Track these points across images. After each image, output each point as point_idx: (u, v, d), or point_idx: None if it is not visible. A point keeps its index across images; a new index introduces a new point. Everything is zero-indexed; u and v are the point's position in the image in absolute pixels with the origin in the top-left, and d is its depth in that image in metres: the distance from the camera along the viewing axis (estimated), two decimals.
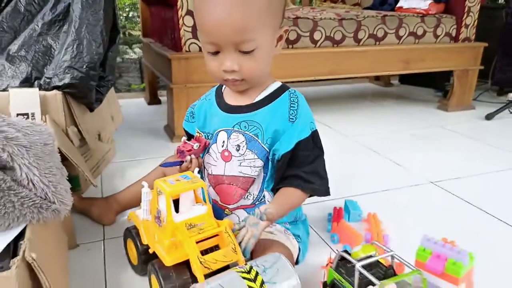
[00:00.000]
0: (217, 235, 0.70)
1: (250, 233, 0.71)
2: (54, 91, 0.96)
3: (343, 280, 0.64)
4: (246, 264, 0.63)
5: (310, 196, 0.82)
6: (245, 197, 0.83)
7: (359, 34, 1.75)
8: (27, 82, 1.00)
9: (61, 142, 0.87)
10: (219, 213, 0.86)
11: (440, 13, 1.92)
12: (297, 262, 0.83)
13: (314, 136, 0.80)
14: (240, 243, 0.70)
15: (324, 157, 0.82)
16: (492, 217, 1.04)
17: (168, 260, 0.66)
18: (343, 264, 0.67)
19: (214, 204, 0.86)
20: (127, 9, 2.22)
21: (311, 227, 0.96)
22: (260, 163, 0.80)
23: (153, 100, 2.13)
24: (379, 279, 0.59)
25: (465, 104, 2.06)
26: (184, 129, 0.92)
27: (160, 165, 0.90)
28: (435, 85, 2.42)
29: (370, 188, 1.19)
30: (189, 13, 1.41)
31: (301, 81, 2.61)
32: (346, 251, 0.67)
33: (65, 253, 0.77)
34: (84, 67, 0.99)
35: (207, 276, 0.64)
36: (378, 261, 0.67)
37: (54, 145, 0.66)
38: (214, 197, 0.86)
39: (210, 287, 0.59)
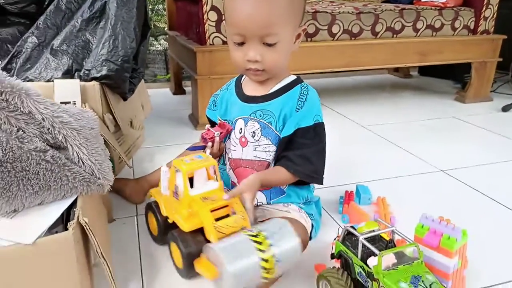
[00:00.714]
0: (227, 205, 0.78)
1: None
2: (93, 82, 1.07)
3: (348, 252, 0.73)
4: (254, 228, 0.72)
5: (308, 181, 0.89)
6: None
7: (377, 27, 1.79)
8: (68, 74, 1.11)
9: (100, 129, 0.98)
10: None
11: (458, 5, 1.94)
12: (310, 238, 0.92)
13: (317, 128, 0.86)
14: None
15: (325, 150, 0.88)
16: (498, 204, 1.10)
17: (186, 226, 0.75)
18: (349, 238, 0.75)
19: (233, 186, 0.95)
20: (153, 2, 2.32)
21: (324, 208, 1.04)
22: (273, 148, 0.89)
23: (178, 90, 2.24)
24: (380, 250, 0.67)
25: (482, 96, 2.08)
26: (207, 116, 1.02)
27: (186, 149, 1.00)
28: (454, 77, 2.44)
29: (382, 175, 1.26)
30: (213, 8, 1.49)
31: (321, 73, 2.67)
32: (352, 227, 0.75)
33: (106, 224, 0.88)
34: (119, 60, 1.09)
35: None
36: (380, 236, 0.75)
37: (99, 129, 0.77)
38: (233, 179, 0.95)
39: (223, 245, 0.68)
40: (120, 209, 1.04)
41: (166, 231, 0.83)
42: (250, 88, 0.92)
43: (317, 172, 0.88)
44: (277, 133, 0.88)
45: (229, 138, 0.95)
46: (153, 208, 0.90)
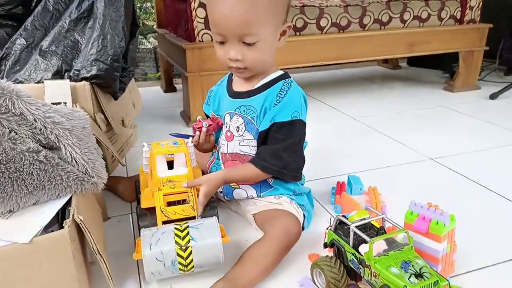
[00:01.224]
0: (186, 191, 0.83)
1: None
2: (83, 82, 1.07)
3: (340, 240, 0.75)
4: (186, 222, 0.78)
5: (278, 177, 0.91)
6: None
7: (364, 19, 1.81)
8: (58, 75, 1.11)
9: (92, 128, 0.98)
10: (227, 187, 0.97)
11: None
12: (303, 228, 0.93)
13: (294, 124, 0.86)
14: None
15: (301, 146, 0.89)
16: (486, 189, 1.13)
17: (142, 203, 0.85)
18: (340, 227, 0.77)
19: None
20: (140, 0, 2.32)
21: (316, 199, 1.06)
22: (255, 143, 0.91)
23: (169, 88, 2.24)
24: (371, 238, 0.69)
25: (470, 85, 2.11)
26: (204, 111, 1.04)
27: (170, 133, 1.02)
28: (443, 66, 2.47)
29: (373, 165, 1.28)
30: (201, 5, 1.50)
31: (311, 66, 2.68)
32: (343, 216, 0.77)
33: (101, 223, 0.88)
34: (109, 59, 1.09)
35: (166, 223, 0.80)
36: (371, 224, 0.77)
37: (91, 129, 0.77)
38: None
39: (147, 232, 0.75)
40: (115, 207, 1.05)
41: None
42: (238, 84, 0.93)
43: (287, 168, 0.88)
44: (258, 128, 0.89)
45: (221, 133, 0.96)
46: (136, 183, 1.00)
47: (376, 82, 2.38)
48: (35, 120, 0.65)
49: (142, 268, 0.82)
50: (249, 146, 0.92)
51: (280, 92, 0.87)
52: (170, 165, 0.91)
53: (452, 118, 1.74)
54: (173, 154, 0.91)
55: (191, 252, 0.73)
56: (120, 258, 0.86)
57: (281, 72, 0.92)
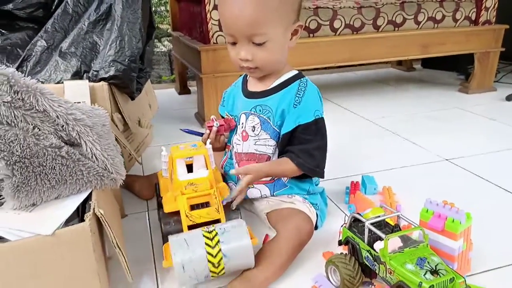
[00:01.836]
0: (209, 194, 0.83)
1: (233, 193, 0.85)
2: (101, 83, 1.10)
3: (355, 237, 0.75)
4: (213, 226, 0.77)
5: (310, 175, 0.91)
6: None
7: (378, 21, 1.81)
8: (77, 75, 1.14)
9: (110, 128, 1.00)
10: None
11: None
12: (316, 228, 0.94)
13: (318, 123, 0.88)
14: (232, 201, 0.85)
15: (327, 145, 0.90)
16: (503, 190, 1.12)
17: (166, 208, 0.82)
18: (355, 225, 0.77)
19: (238, 180, 0.97)
20: (155, 4, 2.35)
21: (330, 199, 1.06)
22: (273, 142, 0.92)
23: (183, 90, 2.27)
24: (386, 235, 0.69)
25: (486, 86, 2.09)
26: (219, 113, 1.06)
27: (181, 129, 1.04)
28: (458, 68, 2.45)
29: (387, 166, 1.27)
30: (216, 7, 1.52)
31: (324, 68, 2.69)
32: (358, 213, 0.77)
33: (119, 219, 0.90)
34: (126, 60, 1.12)
35: (191, 227, 0.79)
36: (386, 222, 0.77)
37: (109, 126, 0.79)
38: None
39: (177, 238, 0.74)
40: (132, 205, 1.07)
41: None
42: (253, 84, 0.95)
43: (319, 166, 0.90)
44: (275, 128, 0.90)
45: (235, 133, 0.97)
46: (156, 187, 0.98)
47: (390, 84, 2.37)
48: (57, 117, 0.67)
49: (159, 265, 0.84)
50: (266, 146, 0.92)
51: (298, 92, 0.88)
52: (189, 168, 0.88)
53: (467, 119, 1.72)
54: (192, 157, 0.89)
55: (222, 256, 0.73)
56: (137, 255, 0.87)
57: (296, 71, 0.93)
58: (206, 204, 0.83)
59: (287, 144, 0.90)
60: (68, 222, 0.66)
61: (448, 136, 1.53)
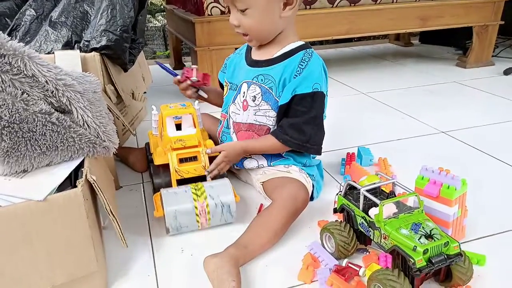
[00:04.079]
0: (196, 146, 0.89)
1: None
2: (93, 53, 1.07)
3: (350, 204, 0.75)
4: (201, 183, 0.84)
5: (299, 150, 0.91)
6: None
7: None
8: (68, 46, 1.11)
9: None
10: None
11: None
12: (312, 198, 0.94)
13: (315, 96, 0.86)
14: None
15: (322, 120, 0.89)
16: (498, 160, 1.12)
17: (156, 161, 0.89)
18: (350, 192, 0.77)
19: None
20: None
21: (326, 170, 1.06)
22: (273, 113, 0.90)
23: (178, 65, 2.23)
24: (381, 201, 0.69)
25: (484, 60, 2.07)
26: (218, 78, 1.05)
27: (156, 61, 1.06)
28: (456, 43, 2.42)
29: (383, 138, 1.27)
30: None
31: (321, 43, 2.65)
32: (353, 181, 0.77)
33: (113, 189, 0.90)
34: (118, 30, 1.09)
35: (180, 182, 0.87)
36: (382, 189, 0.77)
37: (101, 94, 0.78)
38: None
39: (168, 191, 0.82)
40: (126, 177, 1.06)
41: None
42: (257, 53, 0.93)
43: (310, 141, 0.88)
44: (277, 99, 0.89)
45: (233, 102, 0.95)
46: (146, 147, 1.07)
47: (388, 59, 2.35)
48: (46, 82, 0.66)
49: (154, 235, 0.84)
50: (266, 117, 0.91)
51: (301, 63, 0.86)
52: (178, 128, 0.94)
53: (465, 93, 1.71)
54: (180, 117, 0.94)
55: (207, 204, 0.80)
56: (132, 225, 0.87)
57: (302, 42, 0.90)
58: (194, 158, 0.88)
59: (283, 115, 0.89)
60: (61, 190, 0.65)
61: (445, 109, 1.52)
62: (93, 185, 0.63)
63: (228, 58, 1.02)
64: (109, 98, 1.12)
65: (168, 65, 1.05)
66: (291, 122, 0.87)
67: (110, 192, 0.78)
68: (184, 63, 2.27)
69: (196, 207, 0.80)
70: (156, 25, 2.52)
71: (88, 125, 0.70)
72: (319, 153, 0.91)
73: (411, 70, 2.08)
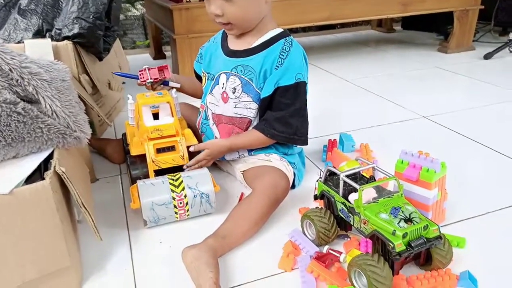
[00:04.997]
0: (174, 135, 0.86)
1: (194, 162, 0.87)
2: (65, 41, 1.03)
3: (330, 190, 0.74)
4: (179, 173, 0.82)
5: (287, 143, 0.90)
6: None
7: None
8: (39, 34, 1.07)
9: (76, 88, 0.95)
10: None
11: None
12: (293, 186, 0.92)
13: (298, 87, 0.84)
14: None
15: (306, 109, 0.87)
16: (478, 143, 1.12)
17: (132, 151, 0.86)
18: (331, 178, 0.76)
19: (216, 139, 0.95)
20: None
21: (308, 158, 1.05)
22: (255, 105, 0.87)
23: (158, 55, 2.19)
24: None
25: (465, 45, 2.08)
26: (194, 69, 1.01)
27: (112, 72, 1.05)
28: (437, 29, 2.42)
29: (365, 124, 1.26)
30: None
31: (304, 30, 2.63)
32: (333, 167, 0.76)
33: (88, 182, 0.87)
34: (91, 17, 1.05)
35: (158, 172, 0.84)
36: (362, 175, 0.76)
37: (71, 82, 0.74)
38: (216, 134, 0.94)
39: (144, 182, 0.79)
40: (103, 169, 1.04)
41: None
42: (234, 42, 0.89)
43: (297, 133, 0.87)
44: (258, 91, 0.86)
45: (210, 92, 0.93)
46: (123, 138, 1.03)
47: (370, 45, 2.34)
48: (10, 70, 0.62)
49: (131, 224, 0.82)
50: (247, 109, 0.88)
51: (282, 53, 0.83)
52: (156, 117, 0.91)
53: (446, 78, 1.71)
54: (158, 106, 0.90)
55: (185, 195, 0.78)
56: (109, 217, 0.85)
57: (280, 29, 0.87)
58: (172, 148, 0.85)
59: (267, 107, 0.86)
60: (31, 183, 0.63)
61: (426, 94, 1.53)
62: (62, 177, 0.61)
63: (203, 48, 0.98)
64: (84, 88, 1.08)
65: (124, 72, 1.03)
66: (277, 116, 0.85)
67: (83, 184, 0.76)
68: (165, 53, 2.22)
69: (174, 198, 0.78)
70: (136, 14, 2.46)
71: (57, 115, 0.67)
72: (306, 143, 0.90)
73: (393, 56, 2.07)
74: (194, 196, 0.80)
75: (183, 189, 0.79)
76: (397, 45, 2.30)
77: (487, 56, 1.92)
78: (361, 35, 2.63)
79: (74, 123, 0.70)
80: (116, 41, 1.32)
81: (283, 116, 0.85)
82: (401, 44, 2.32)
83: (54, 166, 0.61)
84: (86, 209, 0.63)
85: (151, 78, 0.92)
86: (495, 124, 1.25)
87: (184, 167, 0.86)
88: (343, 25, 2.73)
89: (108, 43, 1.19)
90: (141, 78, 0.92)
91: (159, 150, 0.85)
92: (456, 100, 1.45)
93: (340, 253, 0.71)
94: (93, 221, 0.65)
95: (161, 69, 0.93)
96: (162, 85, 0.95)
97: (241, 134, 0.90)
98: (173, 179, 0.80)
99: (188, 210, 0.80)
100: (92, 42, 1.08)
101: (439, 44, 2.16)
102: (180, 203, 0.79)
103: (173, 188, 0.79)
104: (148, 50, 2.34)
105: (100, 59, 1.17)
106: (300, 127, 0.87)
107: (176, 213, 0.79)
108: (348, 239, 0.75)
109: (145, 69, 0.92)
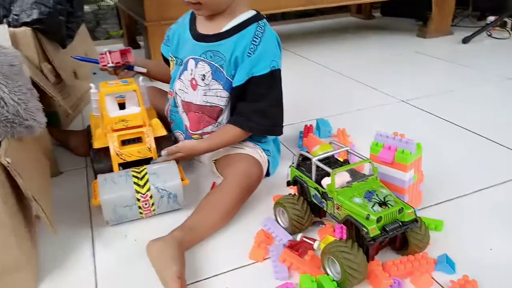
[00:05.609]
0: (141, 126, 0.80)
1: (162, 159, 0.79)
2: (23, 28, 0.97)
3: (303, 176, 0.70)
4: (144, 166, 0.76)
5: (266, 135, 0.87)
6: (215, 125, 0.86)
7: None
8: None
9: (36, 77, 0.89)
10: (188, 138, 0.90)
11: None
12: (268, 174, 0.89)
13: (274, 75, 0.79)
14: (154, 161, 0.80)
15: (282, 97, 0.82)
16: (455, 125, 1.10)
17: (95, 143, 0.80)
18: (303, 163, 0.73)
19: (186, 130, 0.90)
20: None
21: (283, 144, 1.01)
22: (225, 93, 0.82)
23: (132, 44, 2.11)
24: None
25: (443, 30, 2.06)
26: (162, 53, 0.95)
27: (71, 56, 0.96)
28: (416, 14, 2.40)
29: (342, 109, 1.23)
30: None
31: (283, 18, 2.59)
32: (307, 151, 0.72)
33: (46, 175, 0.82)
34: (51, 1, 1.00)
35: (124, 166, 0.78)
36: (336, 159, 0.72)
37: (22, 67, 0.69)
38: (186, 122, 0.89)
39: (105, 177, 0.73)
40: (68, 162, 0.98)
41: None
42: (203, 25, 0.83)
43: (276, 124, 0.83)
44: (228, 78, 0.81)
45: (178, 78, 0.88)
46: (88, 129, 0.95)
47: (349, 32, 2.31)
48: None
49: (95, 219, 0.77)
50: (217, 97, 0.83)
51: (254, 39, 0.78)
52: (122, 107, 0.85)
53: (425, 62, 1.70)
54: (124, 96, 0.85)
55: (151, 195, 0.73)
56: (72, 211, 0.80)
57: (253, 12, 0.82)
58: (138, 139, 0.79)
59: (240, 97, 0.81)
60: None
61: (405, 78, 1.51)
62: (7, 167, 0.56)
63: (170, 30, 0.92)
64: (46, 78, 1.03)
65: (83, 56, 0.95)
66: (254, 108, 0.80)
67: (39, 177, 0.71)
68: (140, 42, 2.15)
69: (138, 200, 0.72)
70: (109, 3, 2.38)
71: (5, 102, 0.62)
72: (282, 132, 0.86)
73: (372, 42, 2.05)
74: (161, 197, 0.74)
75: (149, 189, 0.72)
76: (376, 31, 2.28)
77: (465, 40, 1.91)
78: (340, 22, 2.59)
79: (25, 110, 0.64)
80: (82, 28, 1.26)
81: (261, 108, 0.80)
82: (381, 30, 2.29)
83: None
84: (36, 202, 0.58)
85: (112, 62, 0.85)
86: (473, 106, 1.24)
87: (151, 162, 0.79)
88: (323, 13, 2.69)
89: (72, 29, 1.12)
90: (101, 62, 0.86)
91: (124, 142, 0.79)
92: (435, 84, 1.43)
93: (314, 240, 0.68)
94: (44, 213, 0.60)
95: (123, 53, 0.87)
96: (126, 70, 0.90)
97: (217, 133, 0.84)
98: (137, 176, 0.73)
99: (154, 210, 0.75)
100: (53, 28, 1.02)
101: (418, 29, 2.14)
102: (146, 204, 0.73)
103: (137, 188, 0.72)
104: (122, 40, 2.26)
105: (64, 46, 1.11)
106: (277, 117, 0.83)
107: (141, 213, 0.74)
108: (323, 225, 0.72)
109: (105, 53, 0.86)
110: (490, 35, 2.01)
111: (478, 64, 1.61)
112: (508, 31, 2.03)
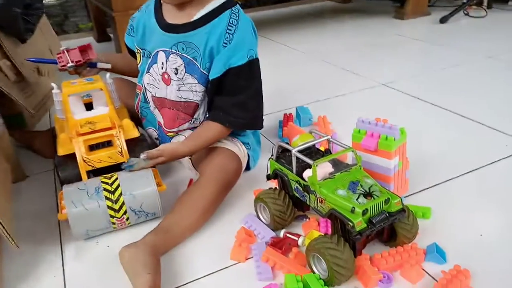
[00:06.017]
0: (110, 128, 0.73)
1: (138, 166, 0.71)
2: None
3: (283, 168, 0.66)
4: (116, 182, 0.68)
5: (248, 129, 0.82)
6: (191, 121, 0.81)
7: None
8: None
9: None
10: (163, 136, 0.85)
11: None
12: (248, 168, 0.84)
13: (252, 65, 0.74)
14: (132, 165, 0.71)
15: (261, 87, 0.77)
16: (436, 107, 1.08)
17: (60, 150, 0.72)
18: (283, 155, 0.69)
19: (159, 127, 0.85)
20: None
21: (263, 135, 0.97)
22: (201, 88, 0.76)
23: (102, 36, 2.03)
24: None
25: (420, 11, 2.04)
26: (126, 44, 0.88)
27: (25, 58, 0.88)
28: None
29: (322, 96, 1.20)
30: None
31: (259, 5, 2.53)
32: (286, 142, 0.68)
33: (6, 180, 0.76)
34: None
35: (96, 172, 0.71)
36: (317, 149, 0.69)
37: None
38: (159, 119, 0.84)
39: (71, 188, 0.66)
40: (34, 165, 0.92)
41: None
42: (171, 14, 0.77)
43: (257, 116, 0.78)
44: (203, 71, 0.75)
45: (147, 72, 0.82)
46: (53, 133, 0.84)
47: (326, 17, 2.27)
48: None
49: (64, 226, 0.72)
50: (192, 92, 0.77)
51: (229, 27, 0.72)
52: (90, 108, 0.77)
53: (404, 44, 1.67)
54: (90, 95, 0.77)
55: (124, 206, 0.66)
56: (40, 217, 0.75)
57: None
58: (108, 143, 0.72)
59: (217, 90, 0.76)
60: None
61: (384, 61, 1.48)
62: None
63: (133, 18, 0.85)
64: (6, 76, 0.95)
65: (38, 57, 0.87)
66: (233, 102, 0.74)
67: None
68: (110, 34, 2.06)
69: (113, 222, 0.67)
70: None
71: None
72: (262, 126, 0.81)
73: (350, 27, 2.02)
74: (138, 217, 0.69)
75: (125, 212, 0.67)
76: (353, 15, 2.24)
77: (443, 20, 1.89)
78: (316, 6, 2.55)
79: None
80: (44, 21, 1.18)
81: (241, 100, 0.74)
82: (358, 14, 2.26)
83: None
84: None
85: (72, 61, 0.78)
86: (455, 87, 1.22)
87: (123, 167, 0.72)
88: None
89: (31, 22, 1.04)
90: (60, 62, 0.78)
91: (92, 147, 0.72)
92: (415, 65, 1.41)
93: (299, 236, 0.64)
94: (3, 227, 0.54)
95: (83, 49, 0.79)
96: (88, 68, 0.82)
97: (198, 132, 0.78)
98: (111, 199, 0.66)
99: (128, 223, 0.69)
100: (9, 21, 0.95)
101: (395, 11, 2.11)
102: (121, 224, 0.68)
103: (112, 213, 0.66)
104: (92, 33, 2.17)
105: (23, 41, 1.03)
106: (257, 109, 0.78)
107: (114, 226, 0.69)
108: (307, 219, 0.68)
109: (63, 52, 0.78)
110: (467, 14, 2.00)
111: (457, 43, 1.59)
112: (484, 9, 2.02)
